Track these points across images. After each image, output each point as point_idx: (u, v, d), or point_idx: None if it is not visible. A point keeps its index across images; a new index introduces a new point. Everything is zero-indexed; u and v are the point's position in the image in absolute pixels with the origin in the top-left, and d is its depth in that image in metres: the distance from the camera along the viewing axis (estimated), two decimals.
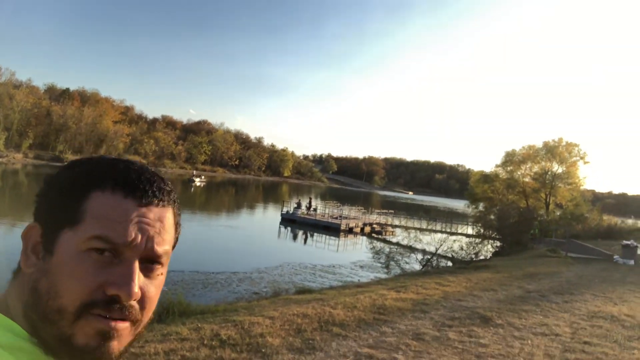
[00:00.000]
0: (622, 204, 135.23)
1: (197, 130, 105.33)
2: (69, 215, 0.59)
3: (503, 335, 5.81)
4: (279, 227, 29.61)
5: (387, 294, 7.92)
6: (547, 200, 35.26)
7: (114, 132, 74.30)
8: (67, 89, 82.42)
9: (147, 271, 0.61)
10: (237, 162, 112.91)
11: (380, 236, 29.84)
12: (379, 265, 17.23)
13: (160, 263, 0.62)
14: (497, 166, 38.10)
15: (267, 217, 36.13)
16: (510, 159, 37.14)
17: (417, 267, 17.31)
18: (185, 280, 12.01)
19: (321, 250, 22.96)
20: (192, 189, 56.33)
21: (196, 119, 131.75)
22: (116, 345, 0.58)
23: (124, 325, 0.58)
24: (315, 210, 34.61)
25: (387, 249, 18.94)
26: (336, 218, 32.22)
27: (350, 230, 29.97)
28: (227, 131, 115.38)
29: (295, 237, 27.39)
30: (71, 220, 0.59)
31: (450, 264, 17.98)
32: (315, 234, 28.01)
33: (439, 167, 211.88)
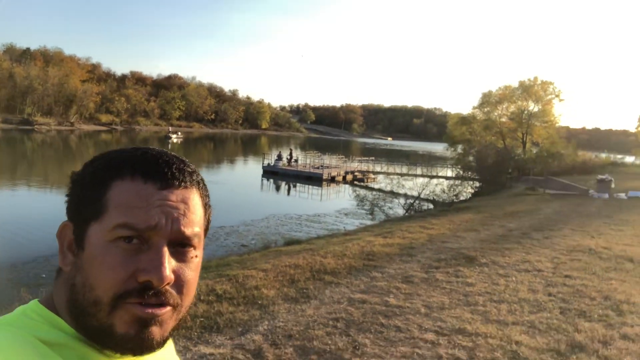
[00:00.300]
0: (595, 139, 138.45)
1: (168, 86, 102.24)
2: (94, 208, 0.59)
3: (488, 274, 6.04)
4: (261, 179, 29.61)
5: (375, 240, 8.09)
6: (524, 139, 35.87)
7: (83, 92, 71.46)
8: (28, 49, 78.50)
9: (180, 255, 0.60)
10: (213, 117, 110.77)
11: (362, 183, 30.14)
12: (364, 212, 17.51)
13: (191, 245, 0.61)
14: (474, 108, 38.43)
15: (249, 170, 36.04)
16: (487, 100, 37.37)
17: (401, 212, 17.65)
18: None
19: (305, 201, 23.15)
20: (170, 145, 55.47)
21: (166, 73, 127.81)
22: (158, 331, 0.58)
23: (163, 311, 0.58)
24: (296, 161, 34.60)
25: (371, 196, 19.21)
26: (318, 168, 32.30)
27: (332, 179, 30.16)
28: (199, 85, 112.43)
29: (278, 188, 27.48)
30: (96, 213, 0.59)
31: (432, 207, 18.38)
32: (297, 184, 28.12)
33: (417, 112, 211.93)
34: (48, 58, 75.77)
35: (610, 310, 4.76)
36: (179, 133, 69.34)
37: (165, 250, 0.58)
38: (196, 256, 0.62)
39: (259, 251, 8.55)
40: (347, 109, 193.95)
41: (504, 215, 11.96)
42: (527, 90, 35.83)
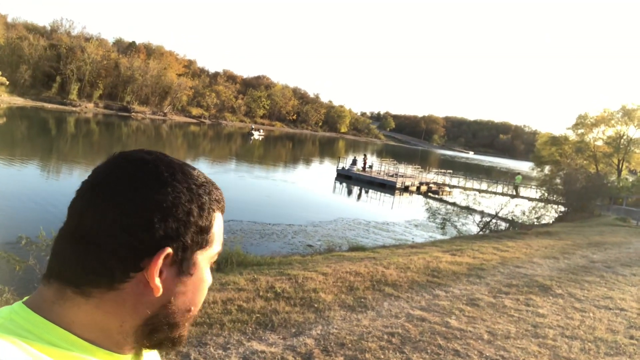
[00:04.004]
0: None
1: (256, 85, 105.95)
2: (205, 238, 0.65)
3: (563, 306, 5.60)
4: (334, 182, 29.73)
5: (442, 256, 7.81)
6: (620, 166, 33.20)
7: (178, 85, 75.96)
8: (134, 42, 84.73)
9: None
10: (294, 117, 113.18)
11: (436, 196, 29.33)
12: (434, 225, 16.98)
13: None
14: (567, 128, 36.12)
15: (323, 172, 36.32)
16: (582, 122, 35.05)
17: (474, 229, 16.93)
18: (243, 229, 12.42)
19: (375, 207, 22.94)
20: (251, 141, 57.39)
21: (255, 73, 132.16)
22: None
23: None
24: (371, 167, 34.38)
25: (444, 210, 18.60)
26: (392, 176, 31.88)
27: (405, 189, 29.63)
28: (285, 86, 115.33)
29: (350, 193, 27.46)
30: (206, 242, 0.65)
31: (510, 228, 17.46)
32: (370, 190, 27.93)
33: (504, 127, 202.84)
34: (150, 51, 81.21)
35: None
36: (261, 130, 71.44)
37: None
38: None
39: (322, 254, 8.55)
40: (429, 119, 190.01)
41: (588, 245, 11.07)
42: (629, 114, 33.14)
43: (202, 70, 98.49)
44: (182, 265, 0.61)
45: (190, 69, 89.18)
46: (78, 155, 26.47)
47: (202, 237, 0.63)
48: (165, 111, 74.72)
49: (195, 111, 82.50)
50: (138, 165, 0.61)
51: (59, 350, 0.56)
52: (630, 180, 31.32)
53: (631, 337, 4.75)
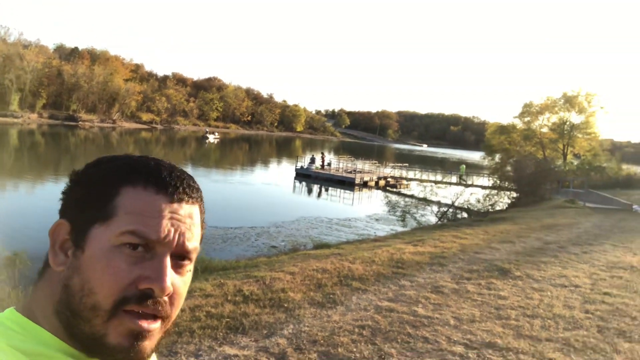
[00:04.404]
0: None
1: (207, 87, 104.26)
2: (100, 211, 0.59)
3: (522, 287, 5.84)
4: (294, 182, 29.74)
5: (405, 247, 7.96)
6: (565, 150, 34.83)
7: (126, 90, 73.68)
8: (76, 48, 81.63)
9: (177, 267, 0.61)
10: (249, 118, 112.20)
11: (395, 189, 29.87)
12: (395, 218, 17.31)
13: (189, 259, 0.62)
14: (514, 117, 37.57)
15: (282, 172, 36.22)
16: (528, 110, 36.52)
17: (433, 220, 17.37)
18: (205, 235, 12.02)
19: (336, 204, 23.12)
20: (206, 145, 56.54)
21: (206, 75, 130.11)
22: (148, 345, 0.58)
23: (155, 325, 0.58)
24: (329, 164, 34.60)
25: (403, 202, 18.98)
26: (350, 172, 32.19)
27: (364, 184, 30.00)
28: (238, 87, 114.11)
29: (310, 191, 27.53)
30: (103, 216, 0.59)
31: (466, 216, 18.00)
32: (329, 188, 28.10)
33: (454, 119, 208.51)
34: (95, 57, 78.45)
35: None
36: (216, 134, 70.48)
37: (168, 261, 0.59)
38: (190, 270, 0.64)
39: (288, 254, 8.55)
40: (383, 115, 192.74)
41: (541, 227, 11.58)
42: (570, 101, 34.81)
43: (151, 74, 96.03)
44: (77, 238, 0.59)
45: (138, 73, 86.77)
46: (23, 170, 25.25)
47: (98, 209, 0.59)
48: (114, 118, 72.41)
49: (145, 117, 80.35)
50: None
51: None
52: (575, 163, 32.94)
53: (586, 312, 5.01)
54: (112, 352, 0.56)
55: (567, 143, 34.67)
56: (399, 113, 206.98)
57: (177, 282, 0.60)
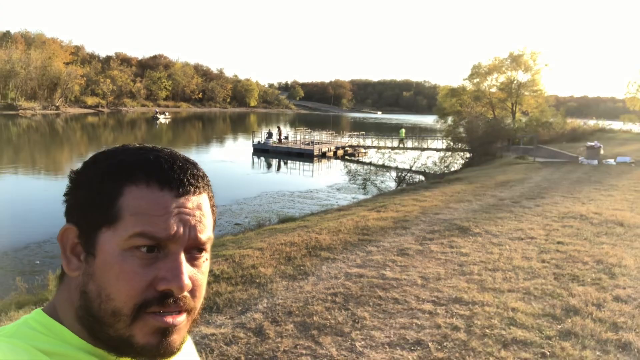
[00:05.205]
0: (584, 106, 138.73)
1: (154, 66, 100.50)
2: (105, 214, 0.57)
3: (482, 243, 6.10)
4: (252, 157, 29.48)
5: (369, 214, 8.12)
6: (514, 109, 35.98)
7: (67, 74, 69.79)
8: (8, 32, 76.56)
9: (193, 259, 0.60)
10: (200, 96, 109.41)
11: (353, 158, 30.14)
12: (356, 187, 17.54)
13: (204, 249, 0.61)
14: (464, 79, 38.30)
15: (239, 148, 35.77)
16: (477, 71, 37.28)
17: (393, 185, 17.71)
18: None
19: (297, 177, 23.14)
20: (157, 126, 54.87)
21: (151, 53, 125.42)
22: (177, 339, 0.58)
23: (181, 319, 0.58)
24: (286, 138, 34.43)
25: (362, 171, 19.23)
26: (308, 144, 32.18)
27: (323, 155, 30.10)
28: (186, 64, 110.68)
29: (269, 166, 27.40)
30: (108, 220, 0.57)
31: (424, 179, 18.45)
32: (289, 161, 28.06)
33: (406, 85, 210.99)
34: (29, 41, 73.84)
35: (602, 273, 4.84)
36: (167, 113, 68.40)
37: (183, 258, 0.58)
38: (207, 259, 0.62)
39: (254, 230, 8.56)
40: (336, 85, 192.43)
41: (495, 185, 12.03)
42: (516, 60, 35.76)
43: (92, 56, 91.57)
44: (86, 244, 0.58)
45: (79, 56, 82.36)
46: None
47: (102, 213, 0.57)
48: (57, 104, 68.90)
49: (90, 100, 76.96)
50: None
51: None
52: (524, 121, 34.11)
53: (543, 261, 5.31)
54: (142, 351, 0.57)
55: (515, 101, 35.79)
56: (352, 82, 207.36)
57: (195, 275, 0.60)
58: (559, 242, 6.08)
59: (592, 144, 19.14)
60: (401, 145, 32.84)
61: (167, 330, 0.57)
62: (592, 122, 37.45)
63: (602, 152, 18.61)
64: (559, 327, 3.62)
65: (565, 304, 4.06)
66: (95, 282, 0.57)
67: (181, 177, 0.59)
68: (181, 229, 0.57)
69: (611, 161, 17.63)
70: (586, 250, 5.73)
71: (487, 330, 3.55)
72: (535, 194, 10.25)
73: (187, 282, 0.57)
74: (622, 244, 6.07)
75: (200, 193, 0.61)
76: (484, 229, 6.84)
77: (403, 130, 37.11)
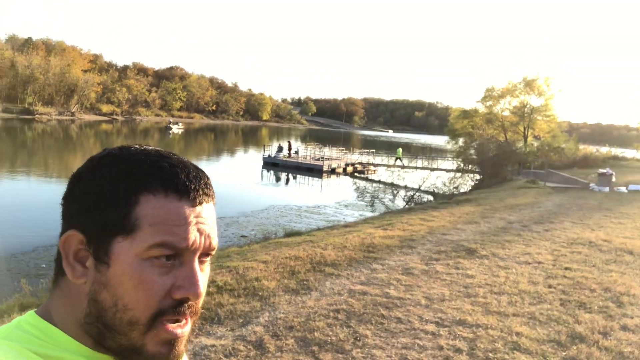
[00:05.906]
0: (597, 133, 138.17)
1: (170, 76, 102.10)
2: (121, 224, 0.56)
3: (488, 266, 6.04)
4: (262, 171, 29.59)
5: (375, 232, 8.08)
6: (526, 133, 35.83)
7: (84, 82, 71.02)
8: (30, 39, 78.27)
9: (201, 264, 0.61)
10: (214, 108, 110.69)
11: (362, 175, 30.13)
12: (364, 204, 17.52)
13: (211, 255, 0.62)
14: (477, 102, 38.30)
15: (249, 161, 35.96)
16: (490, 94, 37.27)
17: (401, 204, 17.65)
18: None
19: (305, 192, 23.15)
20: (170, 136, 55.45)
21: (168, 64, 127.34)
22: (183, 347, 0.60)
23: (188, 328, 0.59)
24: (296, 152, 34.56)
25: (371, 188, 19.22)
26: (318, 159, 32.26)
27: (332, 171, 30.14)
28: (201, 76, 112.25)
29: (278, 180, 27.47)
30: (125, 229, 0.56)
31: (433, 199, 18.37)
32: (298, 176, 28.11)
33: (418, 105, 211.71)
34: (50, 48, 75.35)
35: (610, 302, 4.76)
36: (180, 124, 69.15)
37: (197, 265, 0.58)
38: (209, 262, 0.64)
39: (259, 242, 8.55)
40: (349, 102, 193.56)
41: (505, 207, 11.94)
42: (529, 84, 35.72)
43: (110, 65, 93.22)
44: (97, 252, 0.57)
45: (97, 64, 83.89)
46: None
47: (118, 222, 0.56)
48: (72, 110, 69.95)
49: (105, 108, 78.08)
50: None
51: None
52: (535, 145, 33.96)
53: (549, 286, 5.24)
54: (151, 358, 0.57)
55: (527, 125, 35.67)
56: (365, 100, 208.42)
57: (203, 278, 0.60)
58: (566, 268, 6.00)
59: (604, 171, 18.95)
60: (397, 164, 32.74)
61: (177, 340, 0.58)
62: (604, 149, 37.21)
63: (614, 179, 18.41)
64: (564, 353, 3.56)
65: (571, 330, 3.99)
66: (109, 292, 0.56)
67: (197, 188, 0.60)
68: (199, 239, 0.58)
69: (623, 189, 17.44)
70: (594, 277, 5.64)
71: (490, 354, 3.50)
72: (544, 218, 10.15)
73: (203, 289, 0.58)
74: (632, 272, 5.98)
75: (211, 201, 0.62)
76: (491, 252, 6.78)
77: (400, 149, 37.05)
